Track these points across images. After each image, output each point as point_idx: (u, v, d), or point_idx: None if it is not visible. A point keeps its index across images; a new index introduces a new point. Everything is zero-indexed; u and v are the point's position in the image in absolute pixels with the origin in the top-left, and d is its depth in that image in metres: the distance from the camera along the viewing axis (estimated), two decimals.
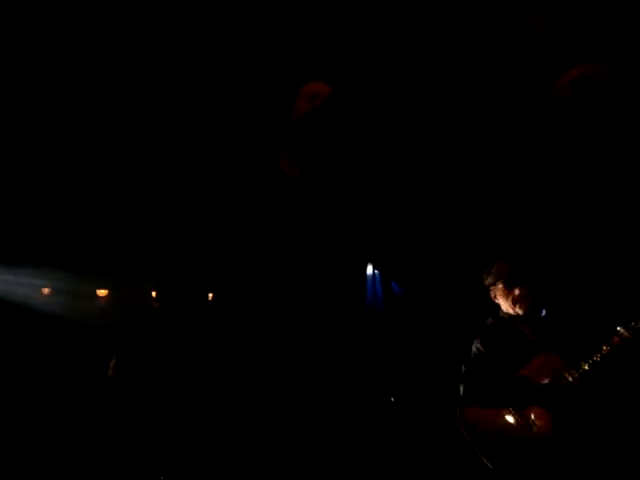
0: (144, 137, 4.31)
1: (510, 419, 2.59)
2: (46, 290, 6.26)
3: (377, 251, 2.26)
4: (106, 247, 5.38)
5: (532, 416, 2.53)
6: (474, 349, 2.92)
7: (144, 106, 4.14)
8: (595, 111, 2.21)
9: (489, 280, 2.99)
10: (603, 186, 2.29)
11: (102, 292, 6.36)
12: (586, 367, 2.43)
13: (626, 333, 2.35)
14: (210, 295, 2.23)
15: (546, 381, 2.54)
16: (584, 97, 2.22)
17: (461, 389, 2.81)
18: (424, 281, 2.67)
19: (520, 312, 2.87)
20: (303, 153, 2.22)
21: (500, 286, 2.93)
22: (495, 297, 3.00)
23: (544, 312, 2.87)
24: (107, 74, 3.89)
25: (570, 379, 2.45)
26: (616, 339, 2.38)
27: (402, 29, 3.50)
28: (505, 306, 2.93)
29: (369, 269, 2.31)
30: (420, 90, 3.67)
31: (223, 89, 3.95)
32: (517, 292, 2.87)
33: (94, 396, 4.81)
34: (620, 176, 2.23)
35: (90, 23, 3.50)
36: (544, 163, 2.49)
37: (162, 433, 4.23)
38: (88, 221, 5.10)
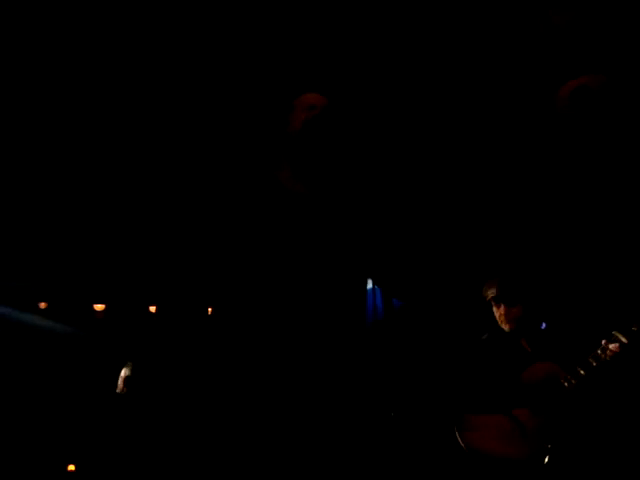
0: (143, 152, 4.31)
1: (507, 426, 2.58)
2: (43, 304, 6.23)
3: (377, 266, 2.25)
4: (104, 261, 5.36)
5: (528, 422, 2.52)
6: (471, 359, 2.92)
7: (143, 120, 4.14)
8: (594, 122, 2.21)
9: (483, 294, 3.00)
10: (598, 193, 2.29)
11: (99, 307, 6.33)
12: (582, 372, 2.41)
13: (623, 338, 2.33)
14: (209, 309, 2.21)
15: (543, 387, 2.53)
16: (583, 108, 2.22)
17: (459, 399, 2.80)
18: (424, 297, 2.66)
19: (505, 329, 2.87)
20: (303, 165, 2.22)
21: (491, 302, 2.94)
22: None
23: (544, 325, 2.87)
24: (102, 83, 3.89)
25: (566, 385, 2.44)
26: (613, 344, 2.35)
27: (400, 37, 3.51)
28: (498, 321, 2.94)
29: (369, 284, 2.30)
30: (420, 99, 3.67)
31: (218, 103, 3.96)
32: (501, 311, 2.88)
33: (100, 411, 4.79)
34: (618, 184, 2.23)
35: (90, 23, 3.50)
36: (545, 176, 2.49)
37: (170, 442, 4.22)
38: (85, 234, 5.08)
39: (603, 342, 2.37)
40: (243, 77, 3.82)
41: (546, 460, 2.43)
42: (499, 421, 2.61)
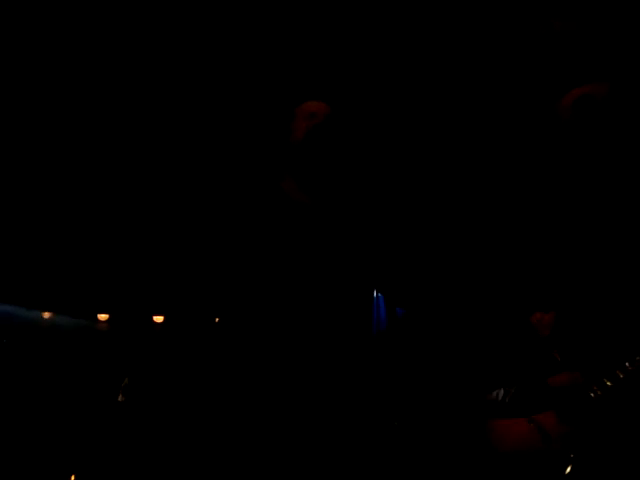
0: (146, 162, 4.32)
1: (530, 431, 2.56)
2: (47, 314, 6.24)
3: (381, 274, 2.24)
4: (108, 271, 5.37)
5: (552, 429, 2.50)
6: (501, 365, 2.92)
7: (145, 129, 4.16)
8: (596, 130, 2.21)
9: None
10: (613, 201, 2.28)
11: (103, 316, 6.33)
12: (609, 384, 2.41)
13: None
14: (217, 319, 2.21)
15: (568, 396, 2.52)
16: (585, 116, 2.22)
17: (485, 400, 2.79)
18: (429, 305, 2.65)
19: (542, 334, 2.90)
20: (306, 175, 2.21)
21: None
22: None
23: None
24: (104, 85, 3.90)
25: (592, 395, 2.43)
26: None
27: (402, 44, 3.51)
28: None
29: (374, 293, 2.29)
30: (423, 107, 3.67)
31: (222, 112, 3.96)
32: (537, 317, 2.92)
33: (102, 419, 4.79)
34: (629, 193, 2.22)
35: (90, 23, 3.51)
36: (551, 183, 2.48)
37: (169, 451, 4.22)
38: (89, 242, 5.09)
39: (632, 357, 2.37)
40: (246, 86, 3.82)
41: (568, 470, 2.41)
42: (522, 426, 2.60)
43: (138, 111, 4.04)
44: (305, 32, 3.51)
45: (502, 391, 2.81)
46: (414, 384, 2.72)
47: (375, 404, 2.20)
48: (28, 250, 5.09)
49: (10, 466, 4.60)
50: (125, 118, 4.09)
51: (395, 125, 3.75)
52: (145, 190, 4.51)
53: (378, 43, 3.54)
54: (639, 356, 2.34)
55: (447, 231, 3.34)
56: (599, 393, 2.43)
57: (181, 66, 3.73)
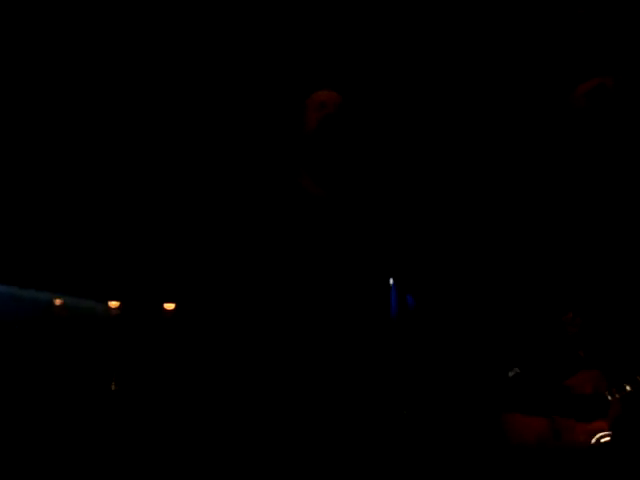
0: (160, 157, 4.33)
1: (547, 428, 2.56)
2: (58, 301, 6.28)
3: (397, 265, 2.24)
4: (119, 258, 5.39)
5: (567, 428, 2.50)
6: (524, 359, 2.93)
7: (155, 128, 4.17)
8: (608, 121, 2.20)
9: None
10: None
11: (114, 304, 6.36)
12: (628, 388, 2.41)
13: None
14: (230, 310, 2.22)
15: (587, 396, 2.52)
16: (597, 107, 2.21)
17: (503, 394, 2.80)
18: (442, 295, 2.66)
19: (570, 332, 2.91)
20: (320, 166, 2.21)
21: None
22: None
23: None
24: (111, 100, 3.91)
25: (610, 397, 2.43)
26: None
27: (416, 31, 3.49)
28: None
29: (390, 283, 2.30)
30: (436, 95, 3.65)
31: (228, 109, 3.96)
32: (569, 316, 2.94)
33: (98, 408, 4.81)
34: None
35: (91, 23, 3.51)
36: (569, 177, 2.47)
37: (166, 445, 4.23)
38: (102, 228, 5.11)
39: None
40: (255, 81, 3.82)
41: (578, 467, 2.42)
42: (536, 421, 2.60)
43: (151, 108, 4.05)
44: (312, 21, 3.50)
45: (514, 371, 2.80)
46: (426, 374, 2.72)
47: (385, 393, 2.21)
48: (40, 235, 5.11)
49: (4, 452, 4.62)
50: (140, 112, 4.11)
51: (407, 112, 3.74)
52: (162, 181, 4.52)
53: (389, 28, 3.51)
54: None
55: (464, 222, 3.33)
56: (617, 396, 2.43)
57: (190, 61, 3.73)
